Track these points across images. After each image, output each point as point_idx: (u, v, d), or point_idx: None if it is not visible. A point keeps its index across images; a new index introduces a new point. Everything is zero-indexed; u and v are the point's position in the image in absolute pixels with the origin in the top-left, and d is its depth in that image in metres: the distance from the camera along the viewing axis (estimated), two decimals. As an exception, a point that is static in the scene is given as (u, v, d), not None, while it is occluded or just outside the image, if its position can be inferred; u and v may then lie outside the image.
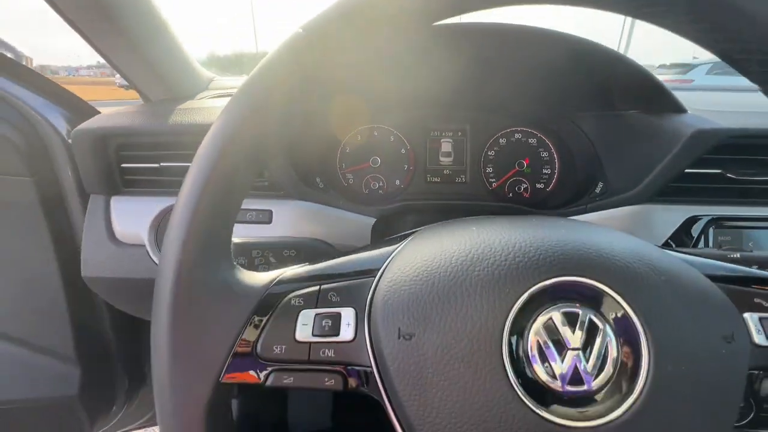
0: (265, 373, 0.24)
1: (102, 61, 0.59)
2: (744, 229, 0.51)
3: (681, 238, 0.51)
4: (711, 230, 0.51)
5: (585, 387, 0.22)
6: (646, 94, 0.52)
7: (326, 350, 0.24)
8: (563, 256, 0.24)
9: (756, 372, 0.25)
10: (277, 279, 0.26)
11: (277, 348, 0.24)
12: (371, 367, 0.24)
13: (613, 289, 0.23)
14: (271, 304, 0.25)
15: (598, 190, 0.58)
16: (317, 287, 0.26)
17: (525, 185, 0.68)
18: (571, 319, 0.23)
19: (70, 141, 0.58)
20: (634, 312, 0.22)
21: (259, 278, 0.26)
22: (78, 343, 0.68)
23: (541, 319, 0.23)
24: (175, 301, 0.23)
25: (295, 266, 0.28)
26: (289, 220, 0.54)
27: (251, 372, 0.24)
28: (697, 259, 0.28)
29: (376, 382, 0.24)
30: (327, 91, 0.60)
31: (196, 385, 0.23)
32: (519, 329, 0.23)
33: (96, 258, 0.58)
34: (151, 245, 0.55)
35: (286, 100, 0.25)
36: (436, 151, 0.69)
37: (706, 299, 0.24)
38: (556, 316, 0.23)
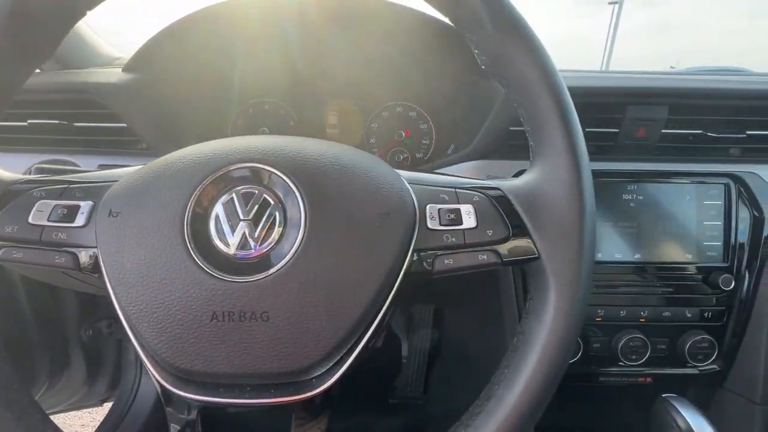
0: None
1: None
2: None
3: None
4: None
5: (253, 251, 0.26)
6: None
7: (59, 233, 0.29)
8: (251, 149, 0.28)
9: (431, 251, 0.29)
10: (28, 178, 0.31)
11: (8, 228, 0.28)
12: (96, 246, 0.28)
13: (282, 173, 0.27)
14: (13, 195, 0.29)
15: (450, 151, 0.63)
16: (66, 185, 0.30)
17: (406, 155, 0.73)
18: (248, 198, 0.27)
19: None
20: (298, 191, 0.27)
21: (7, 175, 0.30)
22: None
23: (224, 199, 0.27)
24: None
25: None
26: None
27: None
28: (414, 174, 0.33)
29: (98, 257, 0.28)
30: (219, 67, 0.65)
31: None
32: (204, 207, 0.27)
33: None
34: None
35: None
36: (323, 123, 0.74)
37: (380, 189, 0.29)
38: (235, 195, 0.27)
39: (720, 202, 0.56)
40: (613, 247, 0.56)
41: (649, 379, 0.57)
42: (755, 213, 0.56)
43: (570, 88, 0.55)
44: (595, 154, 0.58)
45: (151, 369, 0.27)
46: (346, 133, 0.74)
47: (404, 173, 0.32)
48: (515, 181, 0.31)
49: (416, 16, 0.58)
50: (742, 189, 0.56)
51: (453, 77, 0.66)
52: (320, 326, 0.26)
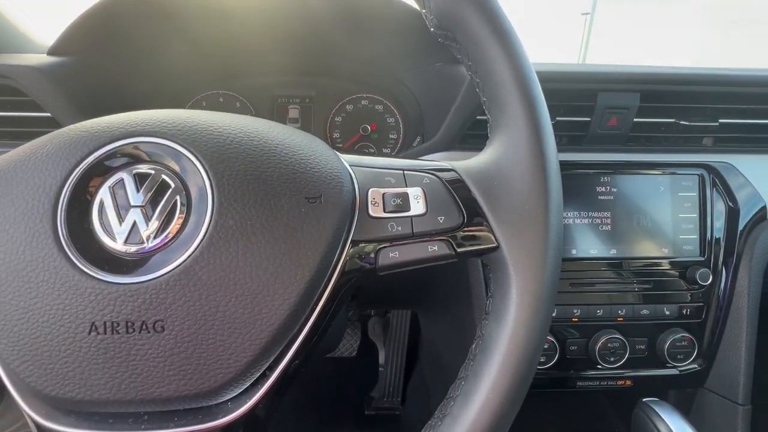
0: None
1: None
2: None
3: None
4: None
5: (145, 245, 0.21)
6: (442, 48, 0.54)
7: None
8: (149, 121, 0.23)
9: (373, 243, 0.24)
10: None
11: None
12: None
13: (186, 148, 0.22)
14: None
15: (415, 144, 0.59)
16: None
17: (372, 150, 0.69)
18: (142, 180, 0.22)
19: None
20: (205, 170, 0.22)
21: None
22: None
23: (112, 181, 0.22)
24: None
25: None
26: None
27: None
28: (357, 157, 0.28)
29: None
30: (163, 55, 0.60)
31: None
32: (86, 191, 0.22)
33: None
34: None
35: None
36: (283, 117, 0.69)
37: (310, 169, 0.24)
38: (126, 177, 0.22)
39: (694, 194, 0.54)
40: (588, 242, 0.53)
41: (628, 382, 0.54)
42: (730, 204, 0.54)
43: (540, 74, 0.52)
44: (567, 144, 0.55)
45: (17, 398, 0.21)
46: (307, 127, 0.69)
47: (346, 156, 0.28)
48: (471, 161, 0.27)
49: (377, 2, 0.54)
50: (716, 180, 0.54)
51: (416, 65, 0.62)
52: (230, 337, 0.20)
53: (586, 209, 0.53)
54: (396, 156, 0.56)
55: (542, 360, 0.52)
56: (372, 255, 0.24)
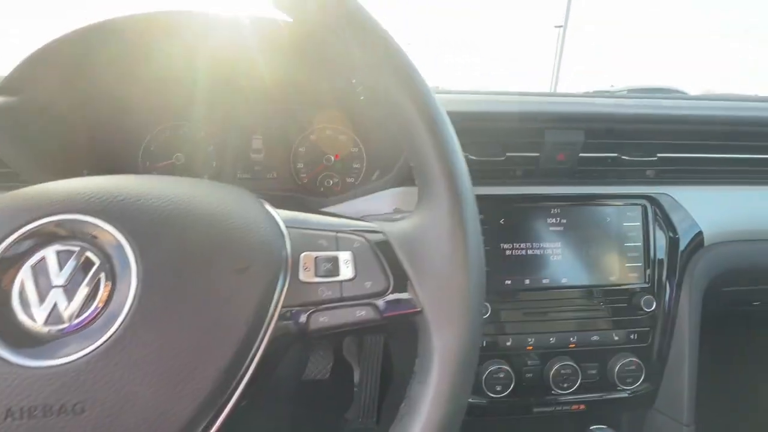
0: None
1: None
2: (491, 207, 0.55)
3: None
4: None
5: (66, 325, 0.21)
6: None
7: None
8: (72, 195, 0.23)
9: (303, 307, 0.25)
10: None
11: None
12: None
13: (111, 224, 0.23)
14: None
15: (374, 177, 0.60)
16: None
17: (336, 180, 0.70)
18: (65, 258, 0.22)
19: None
20: (130, 247, 0.22)
21: None
22: None
23: (34, 260, 0.22)
24: None
25: None
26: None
27: None
28: (295, 215, 0.29)
29: None
30: (121, 88, 0.59)
31: None
32: (6, 271, 0.22)
33: None
34: None
35: None
36: (247, 148, 0.70)
37: (239, 239, 0.25)
38: (48, 255, 0.22)
39: (638, 224, 0.57)
40: (540, 272, 0.55)
41: (582, 407, 0.56)
42: (670, 234, 0.57)
43: (489, 114, 0.55)
44: (520, 178, 0.58)
45: None
46: (271, 158, 0.70)
47: (285, 214, 0.28)
48: (401, 224, 0.28)
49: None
50: (657, 210, 0.57)
51: (375, 100, 0.64)
52: (152, 416, 0.21)
53: (538, 240, 0.55)
54: (356, 190, 0.57)
55: (498, 389, 0.53)
56: (302, 320, 0.25)
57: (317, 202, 0.59)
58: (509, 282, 0.55)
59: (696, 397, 0.56)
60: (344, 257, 0.26)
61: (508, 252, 0.55)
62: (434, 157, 0.26)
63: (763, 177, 0.60)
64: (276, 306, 0.24)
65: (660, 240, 0.57)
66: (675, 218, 0.57)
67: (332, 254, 0.26)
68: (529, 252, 0.55)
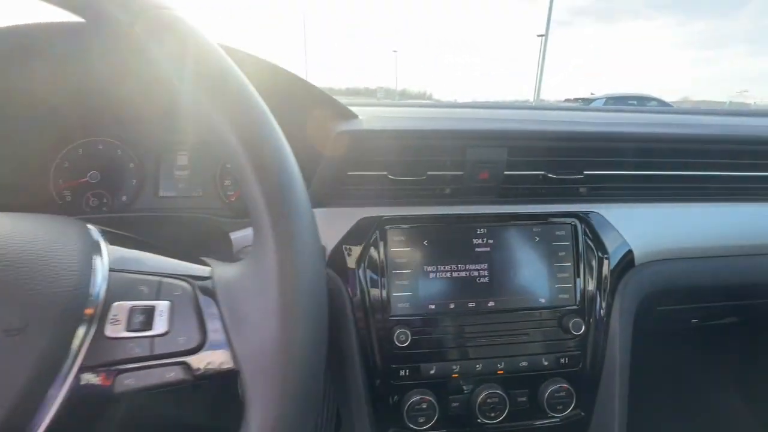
0: None
1: None
2: (414, 228, 0.53)
3: (357, 239, 0.52)
4: (386, 230, 0.52)
5: None
6: (308, 104, 0.52)
7: None
8: None
9: (107, 368, 0.22)
10: None
11: None
12: None
13: None
14: None
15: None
16: None
17: (230, 193, 0.67)
18: None
19: None
20: None
21: None
22: None
23: None
24: None
25: None
26: None
27: None
28: (127, 253, 0.26)
29: None
30: (26, 100, 0.55)
31: None
32: None
33: None
34: None
35: None
36: (171, 165, 0.66)
37: (18, 292, 0.21)
38: None
39: (569, 243, 0.55)
40: (466, 295, 0.53)
41: (512, 436, 0.54)
42: (599, 253, 0.55)
43: (407, 132, 0.52)
44: (445, 197, 0.56)
45: None
46: (197, 175, 0.66)
47: (116, 254, 0.25)
48: (231, 268, 0.25)
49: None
50: (587, 228, 0.56)
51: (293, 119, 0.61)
52: None
53: (464, 262, 0.53)
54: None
55: (421, 420, 0.50)
56: (105, 382, 0.21)
57: (234, 223, 0.56)
58: (433, 306, 0.52)
59: (629, 423, 0.54)
60: (161, 308, 0.22)
61: (432, 275, 0.52)
62: (257, 187, 0.22)
63: (692, 194, 0.59)
64: (71, 367, 0.21)
65: (590, 259, 0.55)
66: (605, 237, 0.55)
67: (149, 304, 0.23)
68: (454, 274, 0.53)
